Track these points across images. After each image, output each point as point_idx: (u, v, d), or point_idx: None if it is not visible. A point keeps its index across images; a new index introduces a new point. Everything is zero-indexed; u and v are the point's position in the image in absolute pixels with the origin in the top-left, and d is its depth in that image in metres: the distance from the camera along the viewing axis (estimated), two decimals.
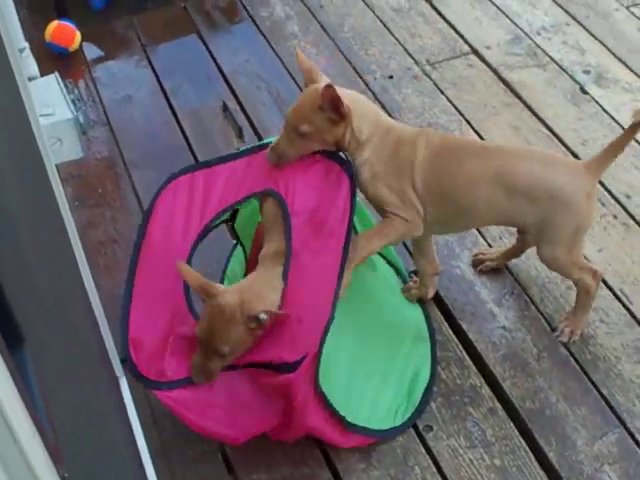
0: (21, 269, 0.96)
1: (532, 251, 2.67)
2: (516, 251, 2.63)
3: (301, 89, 3.28)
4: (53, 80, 2.37)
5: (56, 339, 1.23)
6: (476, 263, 2.69)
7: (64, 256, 1.60)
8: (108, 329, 2.18)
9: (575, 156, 2.99)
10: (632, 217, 2.82)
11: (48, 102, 2.27)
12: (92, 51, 3.63)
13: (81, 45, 3.59)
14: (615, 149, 2.34)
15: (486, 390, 2.38)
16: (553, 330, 2.50)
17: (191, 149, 3.11)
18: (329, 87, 2.17)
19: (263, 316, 2.06)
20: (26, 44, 2.63)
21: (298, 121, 2.24)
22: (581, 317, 2.49)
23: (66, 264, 1.63)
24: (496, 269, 2.66)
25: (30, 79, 2.34)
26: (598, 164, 2.33)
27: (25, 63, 2.53)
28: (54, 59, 3.52)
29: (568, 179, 2.28)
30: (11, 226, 0.94)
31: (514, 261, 2.67)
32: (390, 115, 3.08)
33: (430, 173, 2.29)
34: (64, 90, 2.31)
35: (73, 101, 2.31)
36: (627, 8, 3.69)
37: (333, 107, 2.20)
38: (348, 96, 2.27)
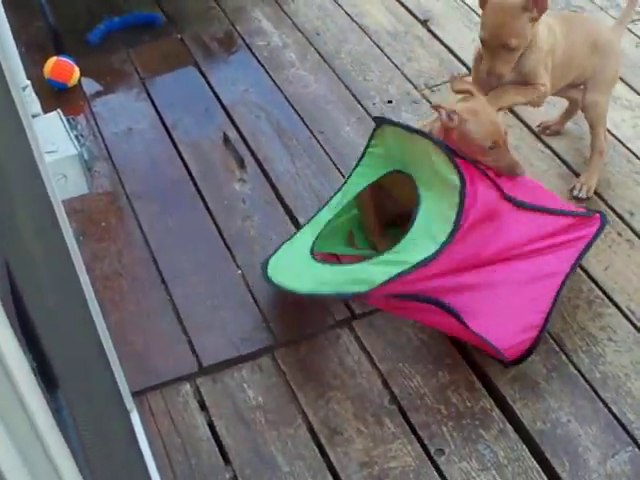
0: (43, 312, 0.97)
1: None
2: (571, 111, 3.14)
3: (300, 116, 3.31)
4: (56, 117, 2.39)
5: (71, 376, 1.24)
6: (543, 130, 3.18)
7: (74, 294, 1.61)
8: (118, 362, 2.18)
9: (577, 175, 3.00)
10: (636, 234, 2.82)
11: (52, 139, 2.29)
12: (91, 86, 3.64)
13: (80, 80, 3.60)
14: (625, 15, 3.00)
15: (496, 412, 2.38)
16: (561, 349, 2.50)
17: (193, 180, 3.12)
18: (540, 4, 2.49)
19: None
20: (28, 82, 2.64)
21: (507, 37, 2.51)
22: (593, 176, 2.93)
23: (76, 302, 1.63)
24: None
25: (33, 116, 2.36)
26: (619, 26, 2.98)
27: (28, 101, 2.55)
28: (54, 95, 3.53)
29: (617, 39, 2.92)
30: (29, 267, 0.95)
31: None
32: None
33: (560, 47, 2.70)
34: (67, 126, 2.33)
35: (77, 137, 2.32)
36: None
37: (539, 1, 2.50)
38: None
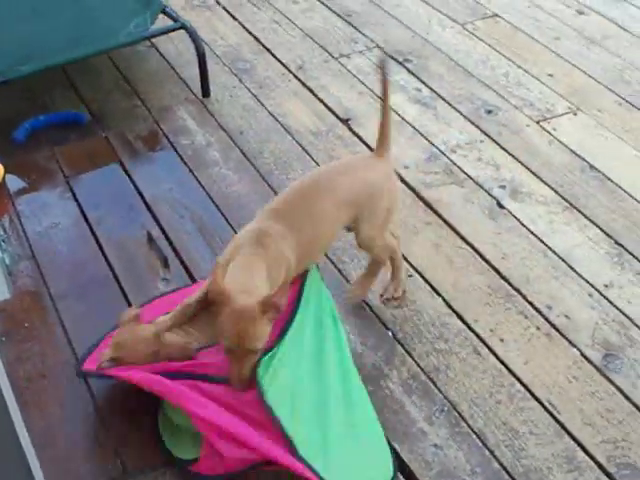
0: None
1: (460, 365, 2.73)
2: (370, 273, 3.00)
3: (224, 215, 3.34)
4: None
5: None
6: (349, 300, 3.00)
7: None
8: (39, 469, 2.15)
9: (496, 270, 3.07)
10: (554, 327, 2.88)
11: None
12: (16, 184, 3.64)
13: (4, 178, 3.60)
14: (383, 127, 2.80)
15: None
16: (484, 444, 2.52)
17: (117, 280, 3.11)
18: (275, 306, 2.36)
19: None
20: None
21: (254, 343, 2.37)
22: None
23: None
24: (425, 388, 2.69)
25: None
26: (381, 149, 2.80)
27: None
28: None
29: (374, 174, 2.75)
30: None
31: (443, 378, 2.71)
32: None
33: (297, 247, 2.56)
34: None
35: None
36: (537, 123, 3.83)
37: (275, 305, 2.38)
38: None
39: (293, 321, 2.56)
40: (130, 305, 2.97)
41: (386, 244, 2.84)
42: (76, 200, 3.53)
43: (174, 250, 3.23)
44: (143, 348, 2.54)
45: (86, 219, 3.42)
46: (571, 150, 3.67)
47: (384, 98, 2.76)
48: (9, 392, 1.96)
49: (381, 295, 2.99)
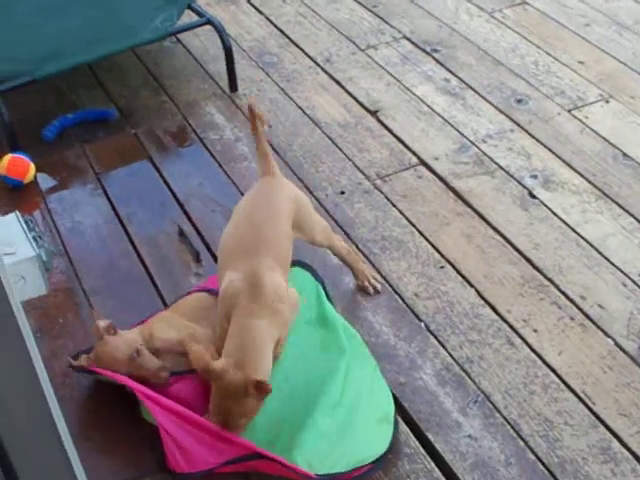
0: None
1: (493, 356, 2.72)
2: None
3: None
4: (14, 219, 2.40)
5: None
6: None
7: (37, 404, 1.61)
8: (79, 462, 2.16)
9: (528, 260, 3.06)
10: (588, 317, 2.87)
11: (10, 241, 2.30)
12: (46, 182, 3.66)
13: (35, 176, 3.62)
14: (260, 151, 2.88)
15: None
16: (519, 434, 2.52)
17: (150, 275, 3.13)
18: (261, 387, 2.34)
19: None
20: None
21: (237, 420, 2.40)
22: (362, 269, 3.00)
23: (41, 416, 1.63)
24: (459, 379, 2.69)
25: None
26: (268, 171, 2.81)
27: None
28: (9, 192, 3.56)
29: (287, 185, 2.83)
30: None
31: (476, 369, 2.70)
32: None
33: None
34: (25, 228, 2.34)
35: (35, 238, 2.33)
36: (569, 111, 3.81)
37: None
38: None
39: None
40: (163, 301, 2.99)
41: (330, 230, 2.93)
42: (107, 197, 3.55)
43: (205, 245, 3.24)
44: (120, 363, 2.60)
45: (117, 215, 3.44)
46: (603, 138, 3.65)
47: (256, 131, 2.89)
48: (49, 387, 1.97)
49: (366, 292, 3.01)
